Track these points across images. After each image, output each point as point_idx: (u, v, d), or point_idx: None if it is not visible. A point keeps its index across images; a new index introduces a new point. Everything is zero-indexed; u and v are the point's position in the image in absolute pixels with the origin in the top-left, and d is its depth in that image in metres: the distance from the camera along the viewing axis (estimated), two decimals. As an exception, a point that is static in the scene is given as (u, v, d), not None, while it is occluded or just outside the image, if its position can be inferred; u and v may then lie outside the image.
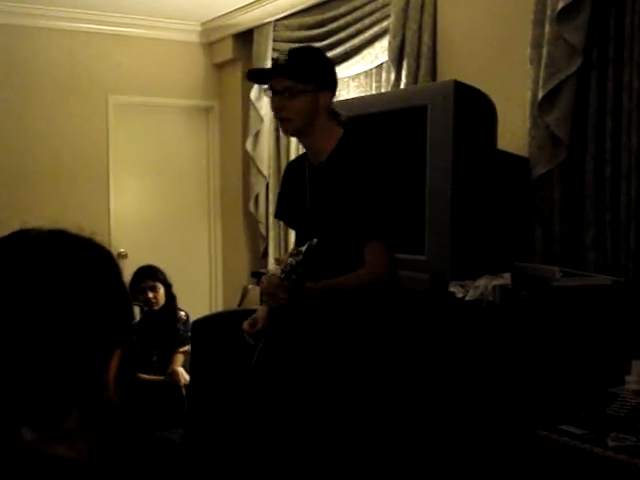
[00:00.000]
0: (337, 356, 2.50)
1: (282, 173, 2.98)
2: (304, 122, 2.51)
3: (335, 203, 2.51)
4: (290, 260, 2.29)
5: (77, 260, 0.92)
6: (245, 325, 2.60)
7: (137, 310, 4.41)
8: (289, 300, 2.34)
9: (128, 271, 4.20)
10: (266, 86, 2.56)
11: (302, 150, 2.79)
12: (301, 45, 3.54)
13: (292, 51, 2.55)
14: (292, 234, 5.26)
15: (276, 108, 2.52)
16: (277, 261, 2.53)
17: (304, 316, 2.53)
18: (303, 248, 2.27)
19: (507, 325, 2.75)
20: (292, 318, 2.54)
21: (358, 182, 2.47)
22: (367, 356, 2.50)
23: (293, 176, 2.75)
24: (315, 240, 2.26)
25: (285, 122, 2.54)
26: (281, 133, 5.49)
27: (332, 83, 2.59)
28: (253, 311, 2.72)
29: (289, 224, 2.92)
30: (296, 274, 2.28)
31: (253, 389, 2.77)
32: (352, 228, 2.47)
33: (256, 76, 2.77)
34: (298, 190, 2.67)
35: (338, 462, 2.49)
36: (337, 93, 5.09)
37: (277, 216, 2.92)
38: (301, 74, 2.47)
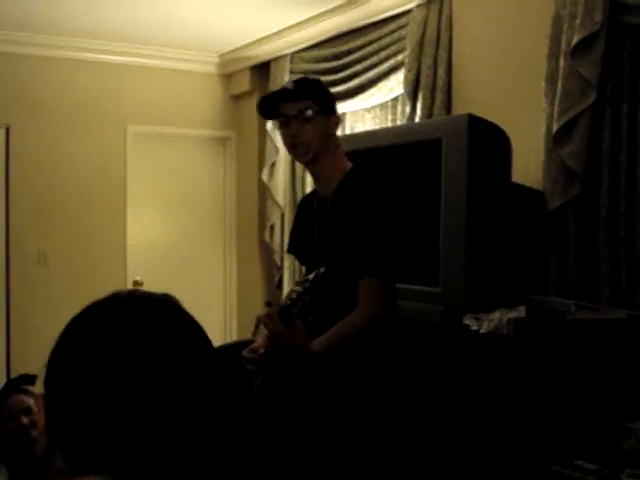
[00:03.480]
0: (339, 391, 2.48)
1: (297, 205, 3.00)
2: (320, 145, 2.51)
3: (337, 235, 2.52)
4: (297, 288, 2.30)
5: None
6: (245, 352, 2.59)
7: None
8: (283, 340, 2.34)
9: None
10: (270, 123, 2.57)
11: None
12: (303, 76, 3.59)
13: (297, 79, 2.60)
14: (307, 264, 5.27)
15: (292, 135, 2.51)
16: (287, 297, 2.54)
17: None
18: (310, 276, 2.28)
19: (521, 358, 2.74)
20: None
21: (359, 215, 2.46)
22: (370, 391, 2.48)
23: (304, 211, 2.76)
24: (323, 269, 2.27)
25: (302, 147, 2.52)
26: (297, 164, 5.53)
27: (335, 110, 2.62)
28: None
29: (299, 259, 2.94)
30: (302, 301, 2.27)
31: (254, 421, 2.76)
32: (349, 261, 2.47)
33: (267, 105, 2.66)
34: (307, 224, 2.68)
35: None
36: (353, 125, 5.18)
37: (289, 251, 2.93)
38: (312, 95, 2.51)
